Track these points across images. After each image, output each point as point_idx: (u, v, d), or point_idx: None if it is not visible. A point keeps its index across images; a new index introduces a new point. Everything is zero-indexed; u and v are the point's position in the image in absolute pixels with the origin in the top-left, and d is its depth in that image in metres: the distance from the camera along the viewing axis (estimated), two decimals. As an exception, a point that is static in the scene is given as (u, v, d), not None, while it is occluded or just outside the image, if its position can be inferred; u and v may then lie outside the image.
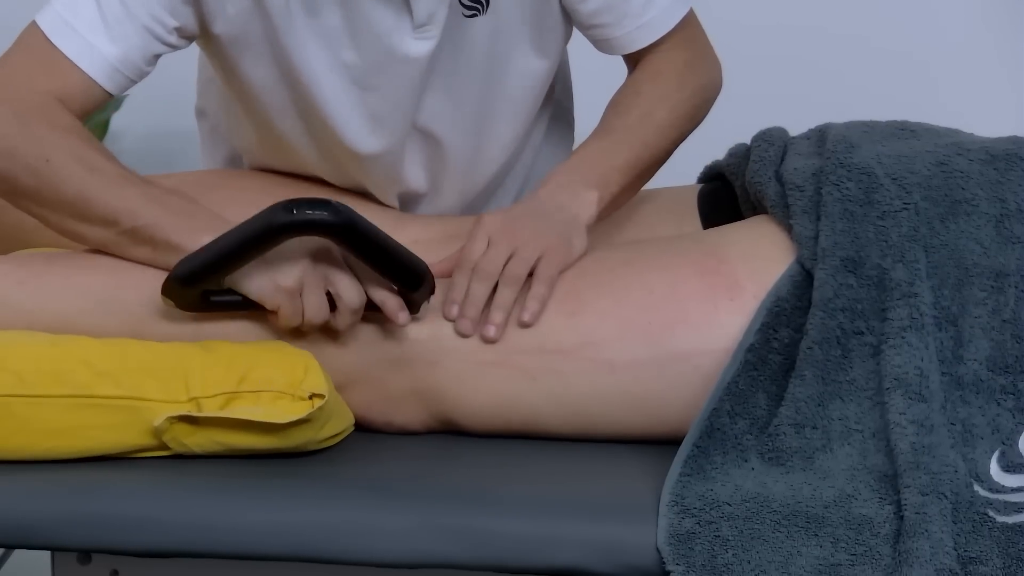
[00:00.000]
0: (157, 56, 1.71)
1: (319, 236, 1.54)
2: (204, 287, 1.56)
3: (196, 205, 1.61)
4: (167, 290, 1.56)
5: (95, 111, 1.70)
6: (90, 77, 1.66)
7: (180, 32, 1.71)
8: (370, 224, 1.55)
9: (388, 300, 1.59)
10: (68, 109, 1.64)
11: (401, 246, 1.57)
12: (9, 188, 1.61)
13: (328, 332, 1.60)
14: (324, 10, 1.72)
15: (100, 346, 1.55)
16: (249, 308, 1.58)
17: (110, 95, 1.69)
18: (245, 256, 1.54)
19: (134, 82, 1.71)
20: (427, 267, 1.59)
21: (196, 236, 1.56)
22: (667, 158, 1.83)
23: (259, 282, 1.56)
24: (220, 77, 1.83)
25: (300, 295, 1.56)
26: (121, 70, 1.68)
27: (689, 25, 1.86)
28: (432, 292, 1.61)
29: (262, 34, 1.73)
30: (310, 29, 1.73)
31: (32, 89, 1.63)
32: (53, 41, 1.66)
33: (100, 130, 2.65)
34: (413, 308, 1.61)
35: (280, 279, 1.55)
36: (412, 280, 1.58)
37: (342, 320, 1.59)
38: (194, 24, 1.72)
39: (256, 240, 1.52)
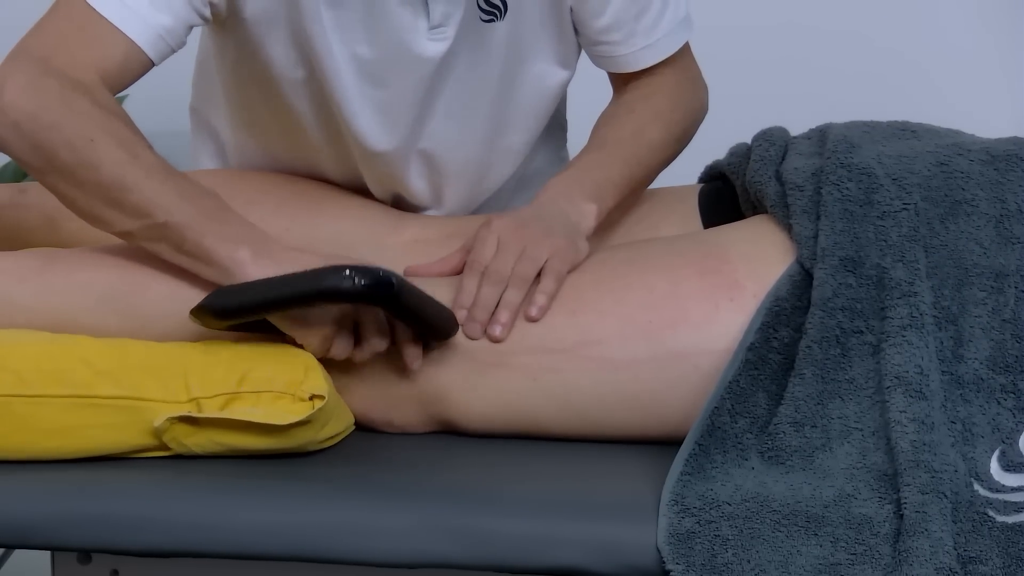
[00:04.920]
0: (191, 28, 1.70)
1: (367, 304, 1.54)
2: (236, 322, 1.56)
3: (230, 210, 1.60)
4: (198, 314, 1.55)
5: (132, 84, 1.66)
6: (135, 43, 1.63)
7: (212, 8, 1.71)
8: (413, 290, 1.54)
9: (408, 349, 1.60)
10: (107, 84, 1.61)
11: (437, 305, 1.57)
12: (45, 162, 1.57)
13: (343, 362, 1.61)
14: (347, 2, 1.72)
15: (100, 345, 1.55)
16: (275, 333, 1.58)
17: (151, 64, 1.66)
18: (285, 309, 1.53)
19: (174, 51, 1.68)
20: (455, 320, 1.59)
21: (228, 246, 1.55)
22: (655, 177, 1.84)
23: (296, 323, 1.56)
24: (231, 63, 1.82)
25: (332, 339, 1.57)
26: (165, 38, 1.65)
27: (684, 48, 1.87)
28: (452, 335, 1.61)
29: (287, 18, 1.73)
30: (331, 19, 1.73)
31: (75, 62, 1.60)
32: (96, 7, 1.62)
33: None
34: (429, 346, 1.62)
35: (316, 323, 1.55)
36: (440, 335, 1.60)
37: (361, 356, 1.59)
38: (225, 5, 1.71)
39: (302, 299, 1.51)
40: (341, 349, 1.57)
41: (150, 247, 1.59)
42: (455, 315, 1.62)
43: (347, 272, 1.49)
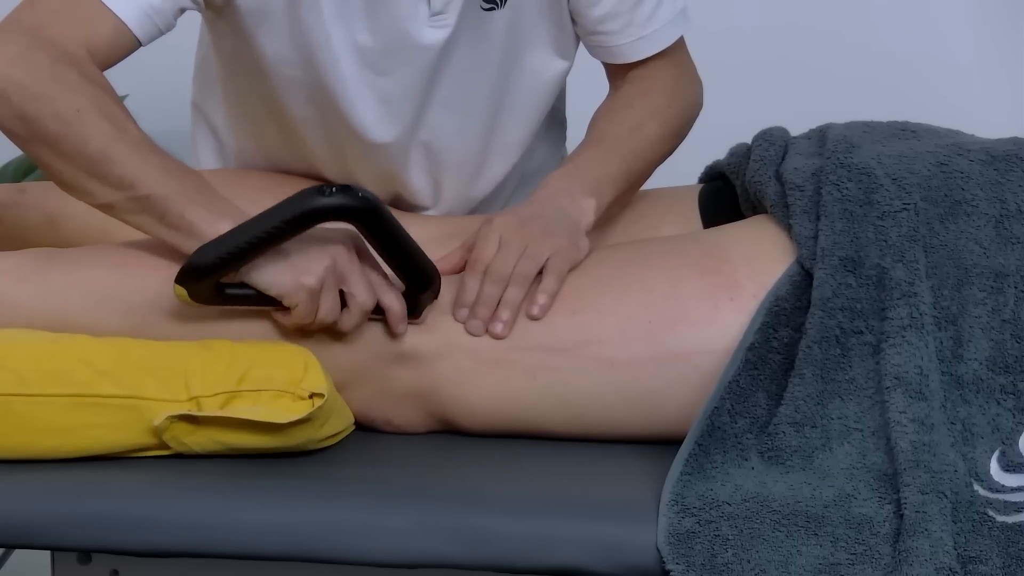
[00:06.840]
0: (182, 10, 1.70)
1: (348, 222, 1.53)
2: (223, 277, 1.55)
3: (211, 187, 1.60)
4: (183, 278, 1.54)
5: (119, 62, 1.66)
6: (123, 22, 1.64)
7: None
8: (392, 216, 1.55)
9: (394, 306, 1.59)
10: (95, 60, 1.62)
11: (417, 247, 1.58)
12: (32, 132, 1.57)
13: (331, 331, 1.60)
14: None
15: (100, 345, 1.55)
16: (262, 303, 1.57)
17: (138, 43, 1.66)
18: (275, 242, 1.52)
19: (162, 32, 1.68)
20: (437, 270, 1.59)
21: (210, 218, 1.55)
22: (652, 172, 1.85)
23: (281, 279, 1.55)
24: (228, 54, 1.82)
25: (319, 294, 1.56)
26: (153, 18, 1.65)
27: (679, 44, 1.88)
28: (436, 296, 1.61)
29: (283, 7, 1.73)
30: (331, 7, 1.73)
31: (65, 35, 1.61)
32: None
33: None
34: (416, 310, 1.61)
35: (304, 278, 1.54)
36: (422, 281, 1.59)
37: (350, 321, 1.59)
38: None
39: (290, 225, 1.51)
40: (328, 309, 1.56)
41: (130, 219, 1.59)
42: (459, 312, 1.63)
43: (326, 189, 1.51)
